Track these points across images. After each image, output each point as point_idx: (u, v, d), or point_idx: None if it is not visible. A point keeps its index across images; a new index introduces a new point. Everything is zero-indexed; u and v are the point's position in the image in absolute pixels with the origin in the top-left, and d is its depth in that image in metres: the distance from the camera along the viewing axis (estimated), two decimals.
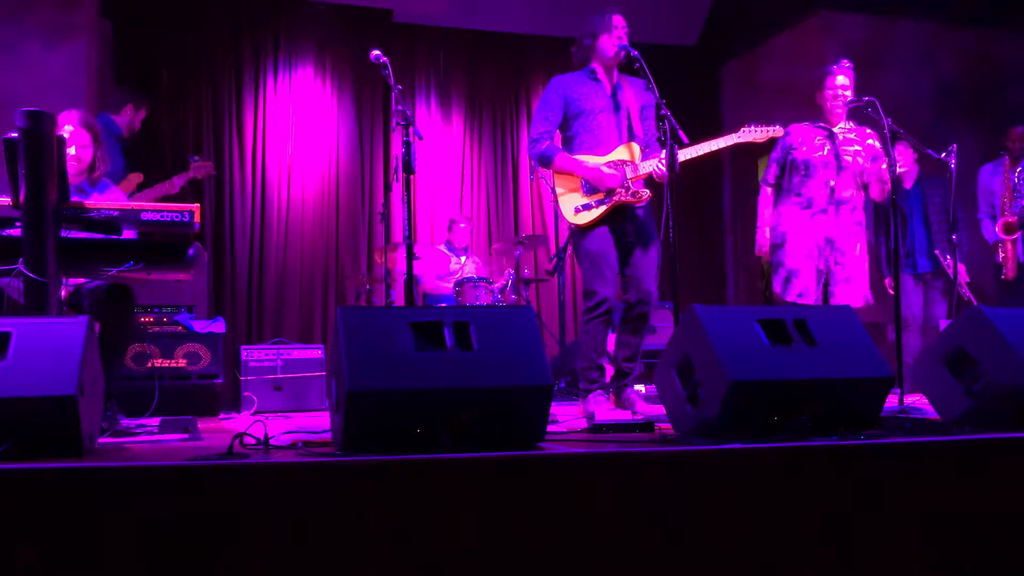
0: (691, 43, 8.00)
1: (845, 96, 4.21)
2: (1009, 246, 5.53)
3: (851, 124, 4.33)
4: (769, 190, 4.43)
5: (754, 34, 7.69)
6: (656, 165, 3.67)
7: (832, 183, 4.20)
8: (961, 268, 5.54)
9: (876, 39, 6.99)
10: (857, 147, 4.26)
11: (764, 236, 4.40)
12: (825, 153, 4.23)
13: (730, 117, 8.10)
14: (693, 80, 7.87)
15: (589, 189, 3.75)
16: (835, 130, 4.29)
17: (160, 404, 4.02)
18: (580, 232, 3.77)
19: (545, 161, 3.84)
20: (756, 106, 7.51)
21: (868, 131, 4.35)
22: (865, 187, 4.34)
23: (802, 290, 4.17)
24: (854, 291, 4.18)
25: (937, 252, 5.58)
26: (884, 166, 4.20)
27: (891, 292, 5.68)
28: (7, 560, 1.63)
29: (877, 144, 4.31)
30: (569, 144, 3.86)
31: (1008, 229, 5.53)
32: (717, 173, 8.19)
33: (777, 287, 4.26)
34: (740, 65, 8.10)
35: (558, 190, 3.82)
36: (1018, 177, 5.47)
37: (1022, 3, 6.78)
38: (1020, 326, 2.51)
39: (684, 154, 3.64)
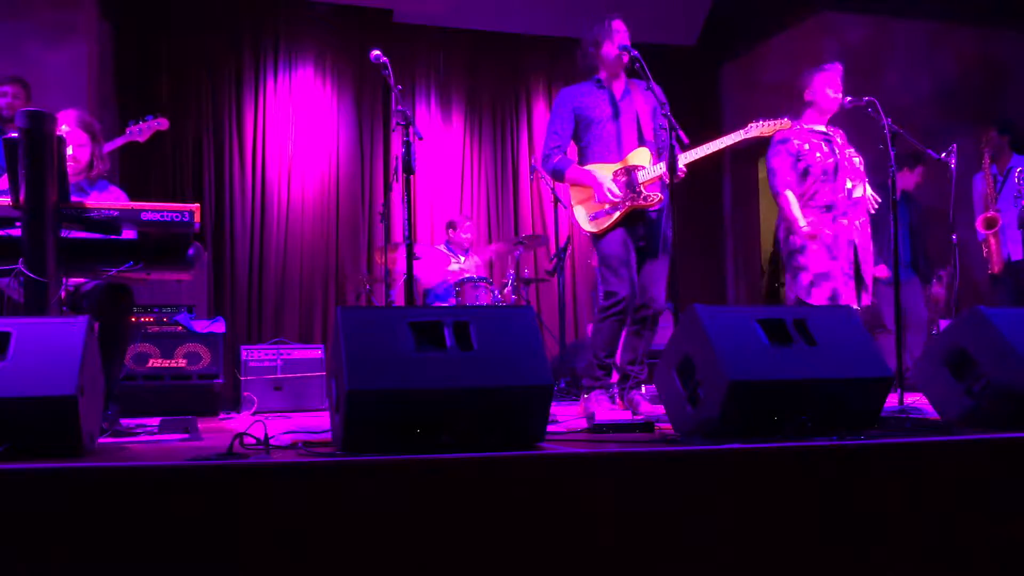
0: (691, 43, 8.00)
1: (841, 99, 4.18)
2: (992, 241, 5.58)
3: (833, 127, 4.26)
4: (792, 196, 4.10)
5: (754, 34, 7.68)
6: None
7: (850, 185, 4.12)
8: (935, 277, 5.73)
9: (876, 39, 6.99)
10: (852, 149, 4.21)
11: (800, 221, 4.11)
12: (837, 156, 4.11)
13: (730, 117, 8.10)
14: (693, 80, 7.87)
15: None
16: (827, 132, 4.24)
17: (160, 404, 4.03)
18: (597, 237, 3.79)
19: (558, 175, 3.88)
20: (756, 106, 7.46)
21: (841, 132, 4.31)
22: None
23: (832, 293, 4.01)
24: (867, 292, 4.12)
25: (920, 261, 5.70)
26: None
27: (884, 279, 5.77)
28: (7, 560, 1.63)
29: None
30: (583, 154, 3.88)
31: (988, 224, 5.58)
32: (717, 173, 8.18)
33: (800, 293, 4.05)
34: (740, 65, 8.09)
35: (573, 200, 3.86)
36: (1019, 177, 5.48)
37: (1022, 3, 6.78)
38: (1020, 326, 2.51)
39: (694, 153, 3.64)
